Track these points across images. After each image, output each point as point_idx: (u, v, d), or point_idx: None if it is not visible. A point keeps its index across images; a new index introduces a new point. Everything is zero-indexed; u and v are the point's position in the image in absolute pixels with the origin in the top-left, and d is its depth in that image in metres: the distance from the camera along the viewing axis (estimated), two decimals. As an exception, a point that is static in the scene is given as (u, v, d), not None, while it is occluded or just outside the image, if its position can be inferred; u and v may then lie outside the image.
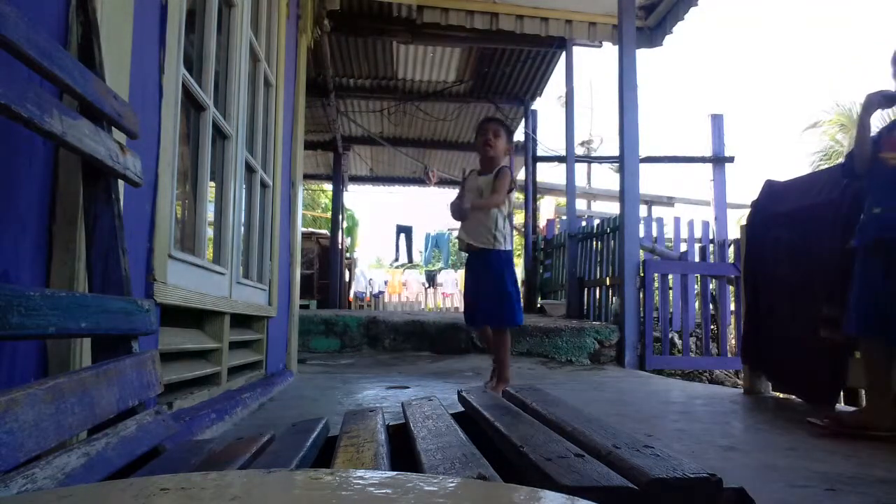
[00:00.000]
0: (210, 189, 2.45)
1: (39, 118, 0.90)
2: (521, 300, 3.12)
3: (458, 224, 3.28)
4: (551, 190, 11.76)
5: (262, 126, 3.29)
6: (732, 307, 5.72)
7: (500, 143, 3.18)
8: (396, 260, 17.95)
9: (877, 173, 2.42)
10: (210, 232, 2.48)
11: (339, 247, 11.84)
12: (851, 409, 2.78)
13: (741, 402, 3.22)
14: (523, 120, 9.28)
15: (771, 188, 3.44)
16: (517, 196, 12.78)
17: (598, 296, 6.62)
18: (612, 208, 10.88)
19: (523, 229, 9.79)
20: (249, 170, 3.06)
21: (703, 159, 8.36)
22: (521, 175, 11.01)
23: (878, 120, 2.77)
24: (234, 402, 2.29)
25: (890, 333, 2.24)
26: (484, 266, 3.08)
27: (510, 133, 3.36)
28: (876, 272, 2.31)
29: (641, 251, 5.75)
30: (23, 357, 1.10)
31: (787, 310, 3.17)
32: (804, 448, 2.01)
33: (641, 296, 5.23)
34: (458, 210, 3.07)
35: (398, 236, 17.33)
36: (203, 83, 2.31)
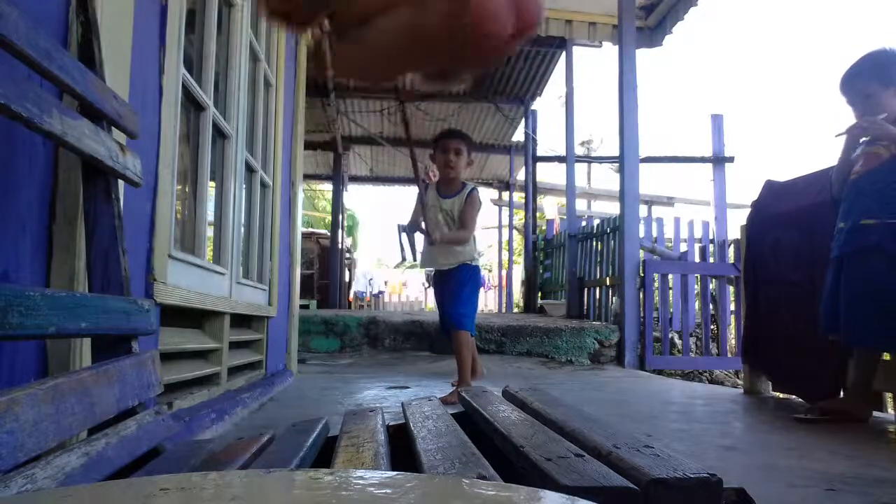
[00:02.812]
0: (210, 189, 2.45)
1: (39, 118, 0.90)
2: (475, 317, 3.17)
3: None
4: (551, 190, 11.77)
5: (262, 126, 3.29)
6: (732, 307, 5.72)
7: (461, 161, 3.02)
8: (402, 259, 17.96)
9: (846, 191, 2.59)
10: (210, 232, 2.48)
11: (339, 247, 11.84)
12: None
13: (741, 402, 3.21)
14: (523, 120, 9.28)
15: (771, 188, 3.43)
16: (517, 197, 12.72)
17: (598, 296, 6.62)
18: (612, 208, 10.89)
19: (523, 229, 9.79)
20: (249, 170, 3.06)
21: (703, 159, 8.36)
22: (520, 175, 11.03)
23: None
24: (234, 402, 2.29)
25: (841, 335, 2.50)
26: (453, 276, 3.08)
27: (472, 145, 3.16)
28: (834, 280, 2.56)
29: (641, 251, 5.75)
30: (23, 357, 1.10)
31: (788, 310, 3.17)
32: (804, 448, 2.01)
33: (641, 296, 5.23)
34: (421, 234, 3.04)
35: (400, 235, 17.32)
36: (203, 83, 2.31)
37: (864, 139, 2.56)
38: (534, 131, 8.91)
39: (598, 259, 6.73)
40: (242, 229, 2.92)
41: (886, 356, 2.61)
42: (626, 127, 5.08)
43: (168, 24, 1.79)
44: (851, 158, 2.60)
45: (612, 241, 6.25)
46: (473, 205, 3.04)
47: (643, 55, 8.41)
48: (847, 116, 2.60)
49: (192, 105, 2.28)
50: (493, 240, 15.28)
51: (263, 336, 3.18)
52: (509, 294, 13.10)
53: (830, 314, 2.56)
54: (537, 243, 9.20)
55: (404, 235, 3.30)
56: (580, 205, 11.38)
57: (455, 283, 3.07)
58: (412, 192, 14.93)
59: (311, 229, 14.78)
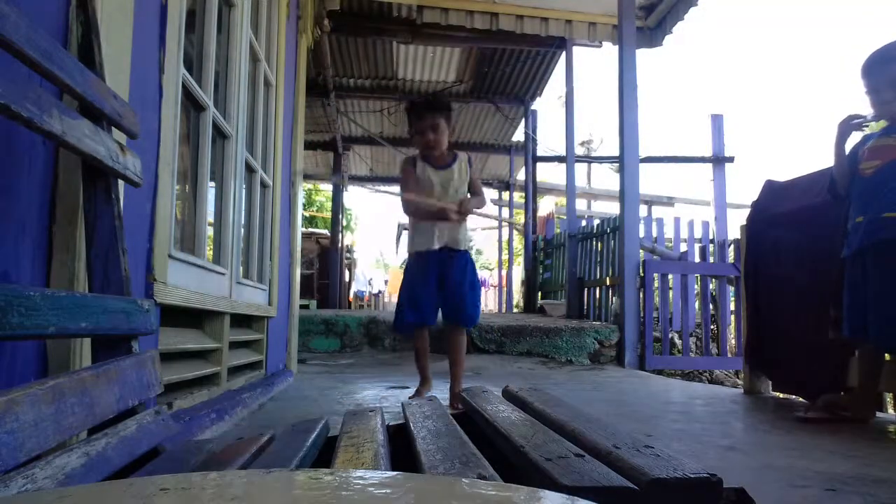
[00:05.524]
0: (210, 189, 2.45)
1: (39, 118, 0.90)
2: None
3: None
4: (551, 190, 11.77)
5: (262, 126, 3.29)
6: (732, 307, 5.72)
7: (442, 137, 2.77)
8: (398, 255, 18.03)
9: (857, 185, 2.51)
10: (210, 232, 2.48)
11: (339, 247, 11.85)
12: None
13: (741, 402, 3.21)
14: (523, 120, 9.29)
15: (771, 188, 3.43)
16: (517, 197, 12.68)
17: (598, 296, 6.62)
18: (612, 208, 10.90)
19: (523, 229, 9.79)
20: (249, 170, 3.06)
21: (703, 159, 8.36)
22: (521, 175, 11.03)
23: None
24: (234, 402, 2.29)
25: (870, 336, 2.40)
26: (461, 266, 2.81)
27: (449, 113, 2.81)
28: (858, 278, 2.45)
29: (641, 251, 5.75)
30: (23, 357, 1.10)
31: (789, 310, 3.17)
32: (804, 448, 2.01)
33: (641, 296, 5.23)
34: (436, 213, 2.71)
35: (401, 233, 17.37)
36: (203, 83, 2.31)
37: (873, 132, 2.53)
38: (534, 131, 8.91)
39: (598, 259, 6.73)
40: (242, 229, 2.92)
41: (887, 357, 2.61)
42: (626, 127, 5.08)
43: (168, 24, 1.79)
44: (851, 151, 2.56)
45: (612, 241, 6.25)
46: (475, 172, 2.91)
47: (643, 55, 8.42)
48: (847, 106, 2.58)
49: (192, 105, 2.28)
50: (493, 239, 15.26)
51: (263, 336, 3.18)
52: (509, 294, 13.10)
53: (856, 316, 2.43)
54: (537, 243, 9.20)
55: (406, 233, 3.24)
56: (580, 205, 11.39)
57: (463, 268, 2.82)
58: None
59: (310, 229, 14.79)
